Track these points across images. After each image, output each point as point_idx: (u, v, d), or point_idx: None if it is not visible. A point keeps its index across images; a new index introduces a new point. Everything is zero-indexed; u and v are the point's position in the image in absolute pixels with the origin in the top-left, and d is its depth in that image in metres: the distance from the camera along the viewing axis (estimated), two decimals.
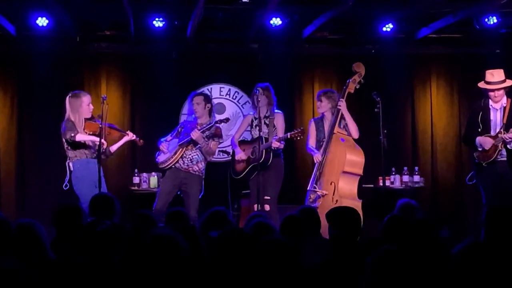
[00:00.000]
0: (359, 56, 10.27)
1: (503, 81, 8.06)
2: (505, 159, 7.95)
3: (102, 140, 7.85)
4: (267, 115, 8.68)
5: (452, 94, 10.89)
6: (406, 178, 10.14)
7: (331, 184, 8.32)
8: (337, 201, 8.16)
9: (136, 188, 9.91)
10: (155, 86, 10.28)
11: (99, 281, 3.75)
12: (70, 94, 8.18)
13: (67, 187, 8.02)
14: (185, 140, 8.43)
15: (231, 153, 9.20)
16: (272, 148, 8.39)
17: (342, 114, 8.45)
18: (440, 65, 10.87)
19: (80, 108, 8.03)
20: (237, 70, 10.59)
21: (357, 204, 7.96)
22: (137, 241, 3.60)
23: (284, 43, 10.29)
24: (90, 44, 10.31)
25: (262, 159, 8.41)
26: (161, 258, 3.38)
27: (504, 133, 7.90)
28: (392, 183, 10.07)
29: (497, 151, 7.94)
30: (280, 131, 8.61)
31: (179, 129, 8.72)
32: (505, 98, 8.09)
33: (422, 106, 10.88)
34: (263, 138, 8.50)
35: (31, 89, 10.11)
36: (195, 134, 8.30)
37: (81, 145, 7.99)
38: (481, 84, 8.15)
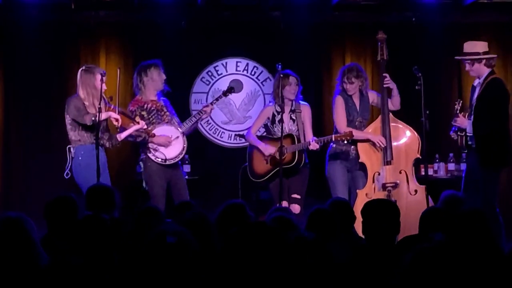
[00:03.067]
0: (398, 25, 10.23)
1: (470, 54, 7.97)
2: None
3: (117, 116, 7.87)
4: (292, 108, 8.47)
5: (506, 69, 10.80)
6: (452, 166, 10.10)
7: (400, 172, 8.39)
8: (416, 191, 8.34)
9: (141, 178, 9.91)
10: (162, 60, 10.27)
11: (96, 285, 3.78)
12: (83, 67, 8.18)
13: (69, 176, 8.01)
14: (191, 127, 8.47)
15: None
16: (309, 149, 8.20)
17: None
18: (492, 35, 10.75)
19: (94, 84, 8.03)
20: (256, 42, 10.57)
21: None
22: (140, 239, 3.63)
23: (310, 10, 10.22)
24: (86, 11, 10.31)
25: (295, 162, 8.23)
26: (168, 259, 3.41)
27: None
28: (435, 172, 10.04)
29: (460, 137, 7.95)
30: (308, 127, 8.44)
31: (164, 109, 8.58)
32: (484, 76, 7.97)
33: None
34: (296, 137, 8.31)
35: (19, 64, 10.14)
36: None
37: (88, 128, 7.99)
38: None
